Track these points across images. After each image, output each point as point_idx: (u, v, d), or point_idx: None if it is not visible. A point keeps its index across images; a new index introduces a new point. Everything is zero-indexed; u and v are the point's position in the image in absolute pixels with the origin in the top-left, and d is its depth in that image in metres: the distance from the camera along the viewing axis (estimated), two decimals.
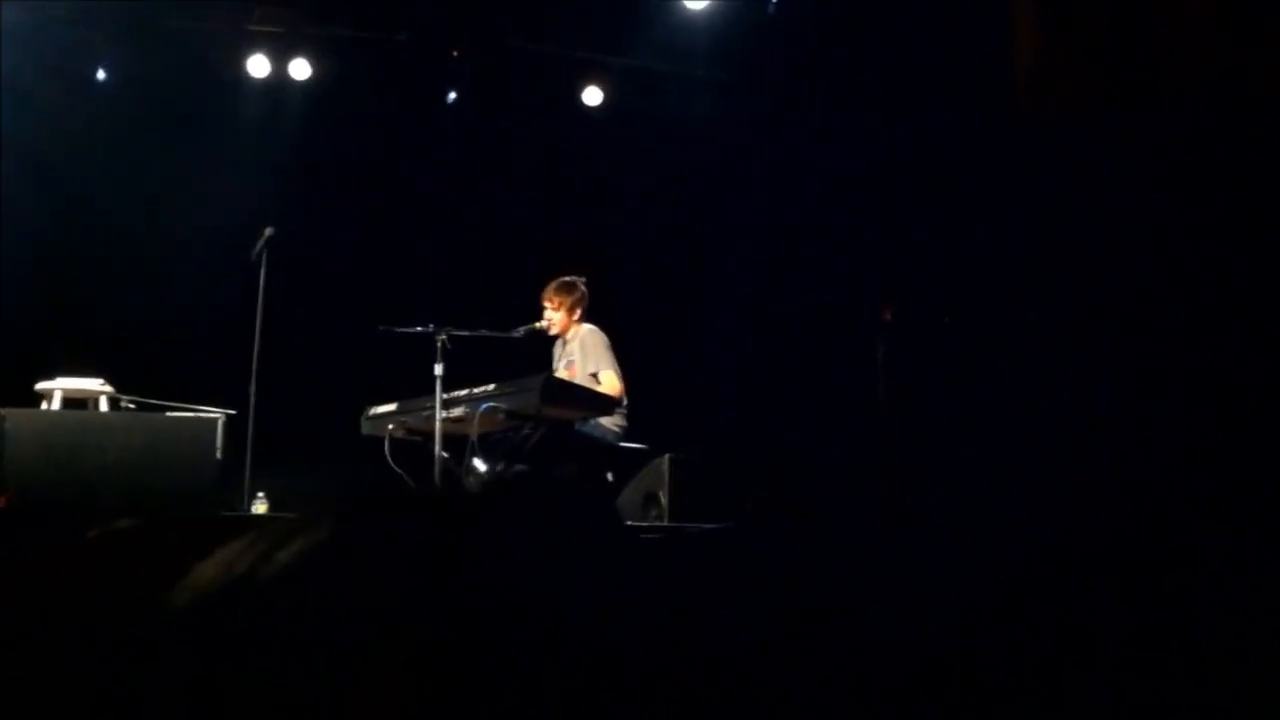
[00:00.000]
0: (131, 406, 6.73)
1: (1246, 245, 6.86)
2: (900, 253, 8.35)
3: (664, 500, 6.70)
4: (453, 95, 9.42)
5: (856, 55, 8.64)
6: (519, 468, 6.41)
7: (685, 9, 8.98)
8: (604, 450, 6.77)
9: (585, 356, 7.03)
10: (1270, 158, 6.71)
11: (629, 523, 6.47)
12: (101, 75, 9.06)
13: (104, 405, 6.58)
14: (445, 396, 6.39)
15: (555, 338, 7.27)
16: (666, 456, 6.79)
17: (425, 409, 6.46)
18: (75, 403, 6.55)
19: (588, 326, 7.20)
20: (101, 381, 6.68)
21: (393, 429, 6.69)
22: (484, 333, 6.79)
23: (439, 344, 6.49)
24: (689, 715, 1.03)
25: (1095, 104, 7.57)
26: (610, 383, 6.91)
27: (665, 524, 6.48)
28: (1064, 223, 7.59)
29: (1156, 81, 7.28)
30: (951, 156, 8.13)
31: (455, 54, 9.18)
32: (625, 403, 6.99)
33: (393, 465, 6.53)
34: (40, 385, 6.59)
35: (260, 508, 6.83)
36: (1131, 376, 7.23)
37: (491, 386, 6.37)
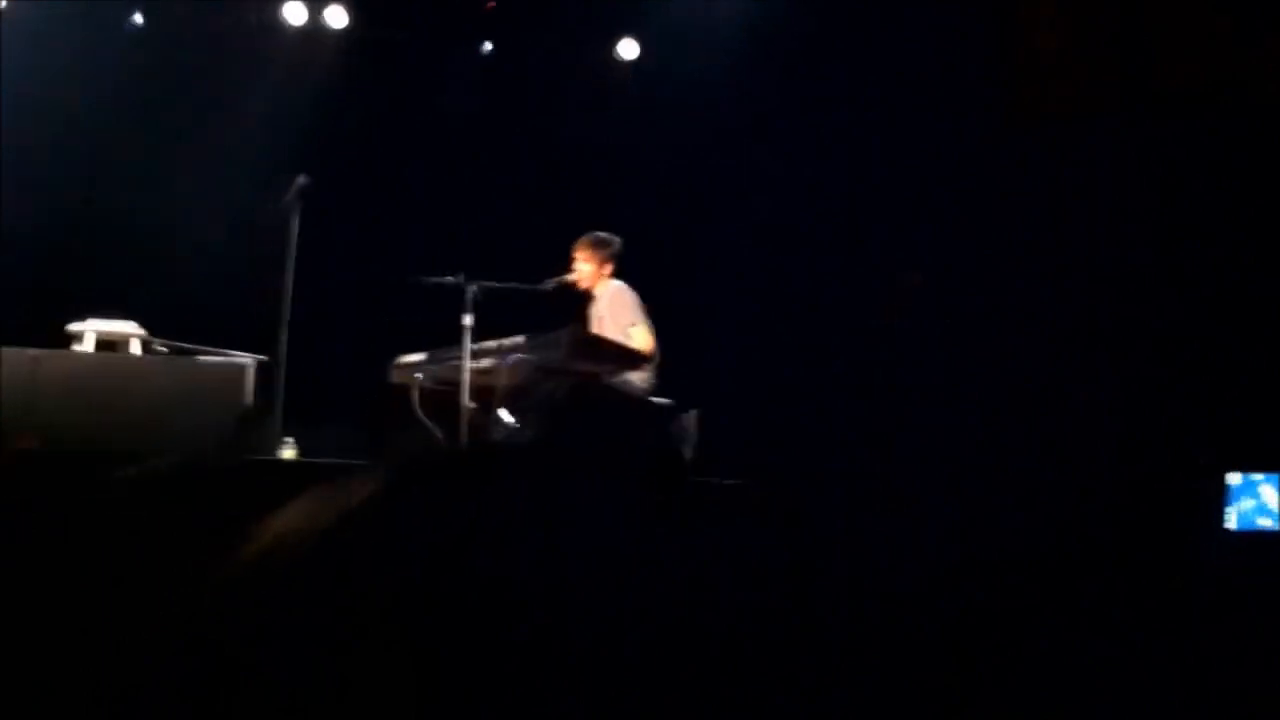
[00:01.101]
0: (164, 350, 6.75)
1: (1246, 249, 6.96)
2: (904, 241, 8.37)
3: (689, 455, 6.71)
4: (488, 45, 9.39)
5: (869, 48, 8.64)
6: (545, 420, 6.43)
7: None
8: (632, 405, 6.78)
9: (616, 313, 7.04)
10: (1270, 162, 6.79)
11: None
12: (136, 19, 9.07)
13: (136, 348, 6.61)
14: (474, 348, 6.41)
15: (586, 294, 7.27)
16: (694, 411, 6.80)
17: (453, 360, 6.48)
18: (107, 345, 6.57)
19: (617, 284, 7.19)
20: (134, 324, 6.71)
21: (420, 379, 6.71)
22: (514, 285, 6.80)
23: (469, 295, 6.50)
24: (692, 695, 1.05)
25: (1096, 106, 7.61)
26: (642, 338, 6.91)
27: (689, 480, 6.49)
28: (1063, 223, 7.65)
29: (1158, 87, 7.31)
30: (965, 154, 8.15)
31: (491, 4, 9.15)
32: (656, 359, 7.00)
33: (420, 415, 6.56)
34: (72, 326, 6.62)
35: (288, 453, 6.86)
36: (1130, 375, 7.31)
37: (520, 338, 6.39)
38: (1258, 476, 5.72)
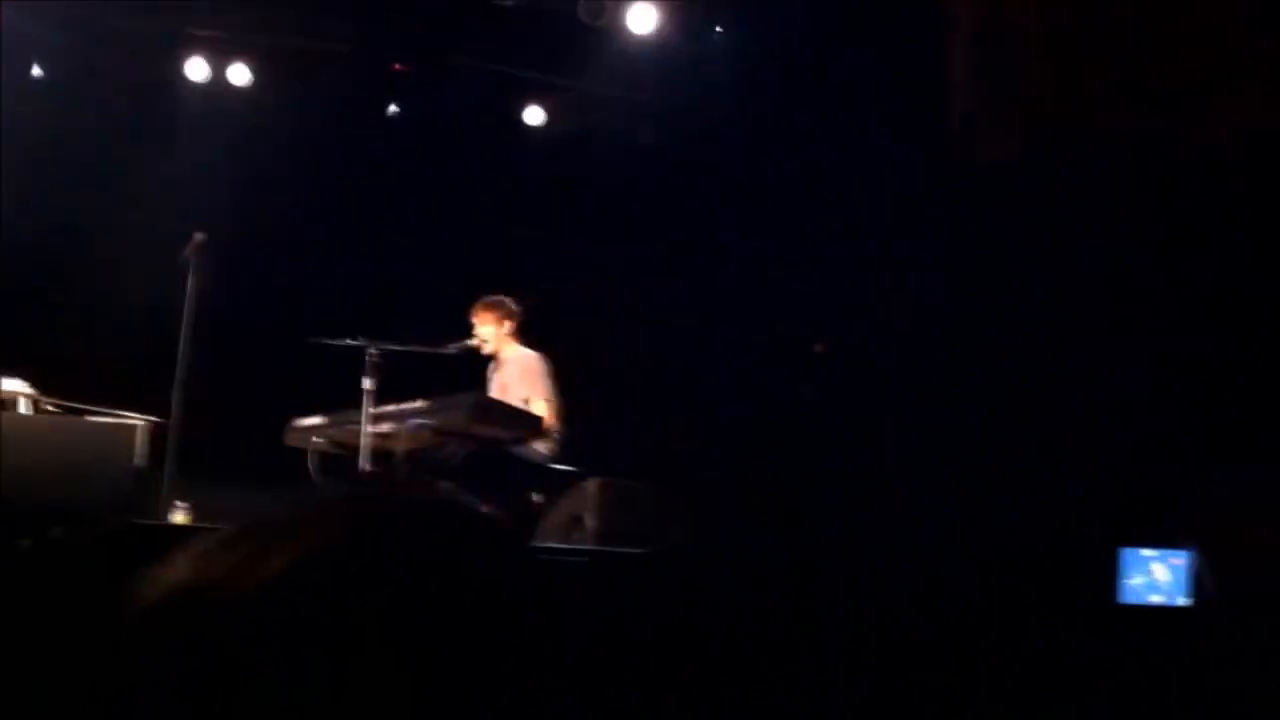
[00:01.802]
0: (52, 410, 6.59)
1: (1198, 271, 7.17)
2: (851, 278, 8.43)
3: (590, 523, 6.66)
4: (393, 108, 9.36)
5: (803, 81, 8.70)
6: (445, 485, 6.37)
7: (631, 35, 8.93)
8: (531, 471, 6.73)
9: (520, 381, 7.00)
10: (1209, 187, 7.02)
11: (551, 545, 6.45)
12: (36, 71, 8.94)
13: (23, 407, 6.44)
14: (374, 411, 6.33)
15: (489, 358, 7.23)
16: (595, 479, 6.76)
17: (352, 423, 6.40)
18: None
19: (528, 351, 7.15)
20: (22, 382, 6.54)
21: (318, 442, 6.62)
22: (415, 348, 6.74)
23: (369, 358, 6.43)
24: (692, 695, 1.03)
25: (1041, 144, 7.78)
26: (543, 409, 6.88)
27: (590, 547, 6.44)
28: (1061, 225, 7.80)
29: (1104, 126, 7.50)
30: (907, 183, 8.26)
31: (398, 67, 9.14)
32: (558, 430, 6.97)
33: (316, 479, 6.46)
34: None
35: (180, 518, 6.71)
36: (1108, 387, 7.46)
37: (421, 403, 6.33)
38: (1149, 552, 5.78)
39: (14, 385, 6.49)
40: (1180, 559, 5.82)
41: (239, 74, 9.07)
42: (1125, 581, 5.66)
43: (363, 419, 6.31)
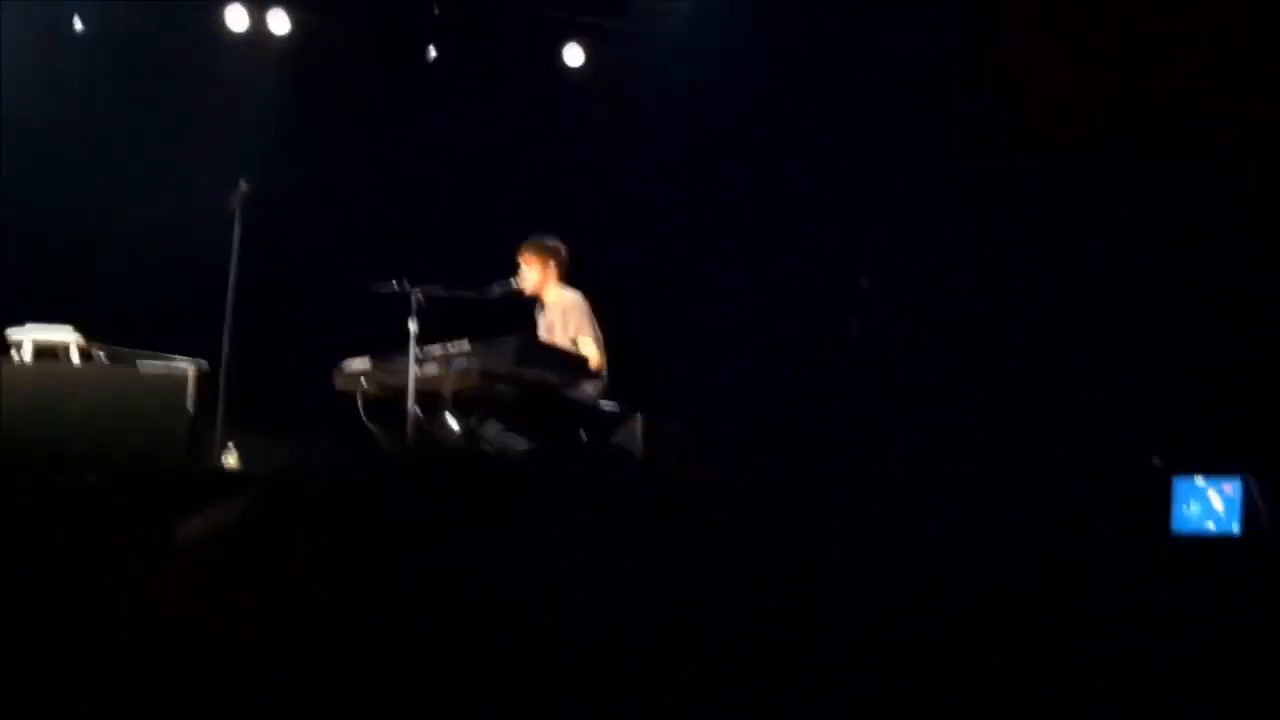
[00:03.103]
0: (102, 355, 6.65)
1: (1241, 252, 7.14)
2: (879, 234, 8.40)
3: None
4: (433, 52, 9.34)
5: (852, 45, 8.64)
6: (493, 426, 6.40)
7: None
8: (579, 411, 6.75)
9: (566, 322, 7.01)
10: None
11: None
12: (78, 25, 8.97)
13: (74, 354, 6.50)
14: (419, 353, 6.36)
15: (534, 301, 7.24)
16: (639, 416, 6.77)
17: (399, 367, 6.44)
18: (45, 352, 6.46)
19: (570, 293, 7.16)
20: (70, 329, 6.61)
21: (366, 384, 6.65)
22: (460, 291, 6.76)
23: (414, 301, 6.46)
24: (692, 696, 1.04)
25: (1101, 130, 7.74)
26: (590, 349, 6.89)
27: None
28: (1061, 225, 7.77)
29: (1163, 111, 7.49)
30: (964, 154, 8.20)
31: (436, 9, 9.11)
32: (604, 370, 6.98)
33: (366, 421, 6.51)
34: (10, 333, 6.52)
35: (230, 459, 6.78)
36: (1122, 373, 7.43)
37: (466, 344, 6.36)
38: (1201, 482, 5.75)
39: (63, 334, 6.56)
40: (1233, 486, 5.79)
41: (278, 21, 9.07)
42: (1181, 509, 5.65)
43: (409, 361, 6.34)
